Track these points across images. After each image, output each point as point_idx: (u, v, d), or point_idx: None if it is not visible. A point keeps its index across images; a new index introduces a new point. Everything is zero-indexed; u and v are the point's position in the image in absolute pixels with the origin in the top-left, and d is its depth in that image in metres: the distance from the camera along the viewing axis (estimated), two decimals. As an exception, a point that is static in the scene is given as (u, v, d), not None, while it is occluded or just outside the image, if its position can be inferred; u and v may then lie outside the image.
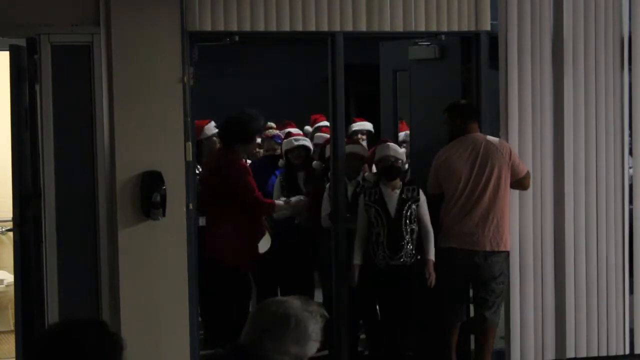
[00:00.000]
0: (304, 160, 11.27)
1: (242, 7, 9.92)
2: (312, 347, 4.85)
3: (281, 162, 11.54)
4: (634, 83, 10.88)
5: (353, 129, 12.90)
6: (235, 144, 10.73)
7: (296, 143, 11.23)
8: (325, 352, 10.29)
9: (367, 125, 12.91)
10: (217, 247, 10.48)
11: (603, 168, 10.77)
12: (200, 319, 10.65)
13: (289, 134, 11.98)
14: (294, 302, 4.85)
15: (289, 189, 11.16)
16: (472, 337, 10.28)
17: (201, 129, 11.56)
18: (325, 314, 5.02)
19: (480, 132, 10.24)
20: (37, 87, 9.62)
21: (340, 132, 10.53)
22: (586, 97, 10.73)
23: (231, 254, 10.44)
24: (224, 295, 10.59)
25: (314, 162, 10.76)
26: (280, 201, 10.97)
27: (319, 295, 11.78)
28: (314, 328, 4.81)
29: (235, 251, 10.46)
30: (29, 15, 9.49)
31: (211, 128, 11.84)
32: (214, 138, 11.74)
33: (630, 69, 10.87)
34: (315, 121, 13.32)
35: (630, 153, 10.93)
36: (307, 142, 11.46)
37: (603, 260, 10.73)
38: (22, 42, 9.84)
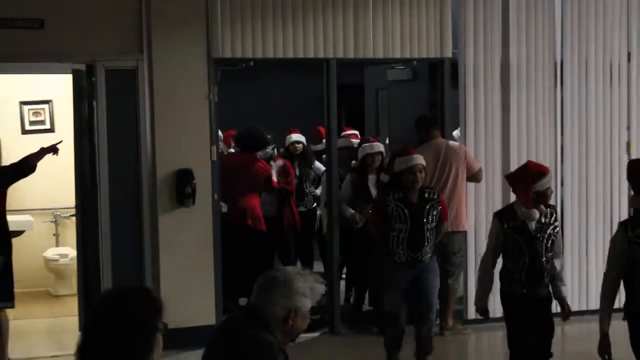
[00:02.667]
0: (379, 164, 10.21)
1: (256, 38, 9.93)
2: (303, 301, 4.68)
3: (354, 163, 10.65)
4: (564, 99, 10.93)
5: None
6: (255, 150, 11.00)
7: (376, 149, 10.29)
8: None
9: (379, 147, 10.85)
10: (248, 215, 10.78)
11: (538, 156, 10.58)
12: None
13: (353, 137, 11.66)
14: (288, 269, 4.84)
15: (359, 189, 10.29)
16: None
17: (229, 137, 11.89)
18: (321, 279, 4.93)
19: (443, 137, 10.27)
20: (94, 103, 9.64)
21: (334, 137, 10.56)
22: (527, 110, 10.80)
23: (258, 220, 10.85)
24: (252, 246, 10.81)
25: (381, 175, 9.29)
26: (351, 210, 10.30)
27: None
28: (302, 285, 4.69)
29: (259, 218, 10.87)
30: (88, 46, 9.47)
31: None
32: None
33: (562, 88, 10.90)
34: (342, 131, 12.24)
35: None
36: (382, 148, 10.49)
37: None
38: (82, 67, 9.85)
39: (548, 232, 7.33)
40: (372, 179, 10.19)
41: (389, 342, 8.60)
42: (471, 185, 10.31)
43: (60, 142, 9.13)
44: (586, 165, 10.93)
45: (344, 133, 11.84)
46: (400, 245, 8.26)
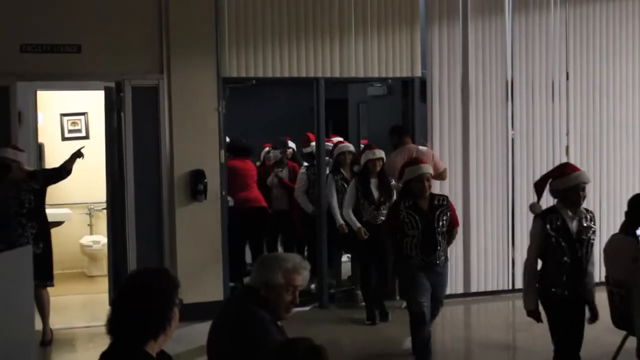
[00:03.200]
0: (381, 168, 9.53)
1: (257, 60, 9.93)
2: (275, 277, 4.54)
3: (357, 167, 9.95)
4: (514, 111, 10.91)
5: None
6: (247, 156, 11.35)
7: (377, 155, 9.48)
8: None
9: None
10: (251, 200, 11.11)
11: (494, 167, 10.85)
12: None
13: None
14: (279, 252, 4.78)
15: (363, 192, 9.50)
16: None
17: None
18: (304, 263, 4.73)
19: (413, 143, 10.23)
20: (122, 114, 9.63)
21: (323, 142, 10.55)
22: (483, 121, 10.79)
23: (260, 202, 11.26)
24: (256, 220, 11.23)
25: (393, 184, 9.23)
26: (358, 224, 9.54)
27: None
28: (280, 264, 4.57)
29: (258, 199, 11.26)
30: (117, 67, 9.48)
31: None
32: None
33: (512, 102, 10.90)
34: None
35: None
36: (383, 154, 9.59)
37: (494, 224, 10.82)
38: (112, 85, 9.84)
39: (588, 235, 6.45)
40: (374, 182, 9.59)
41: (421, 347, 7.76)
42: (437, 182, 10.12)
43: (83, 147, 9.16)
44: (532, 167, 10.90)
45: (337, 140, 11.81)
46: (414, 249, 7.59)
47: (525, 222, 10.79)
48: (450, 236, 7.97)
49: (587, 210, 6.63)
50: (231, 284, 10.13)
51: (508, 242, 10.86)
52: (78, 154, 9.02)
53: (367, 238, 9.50)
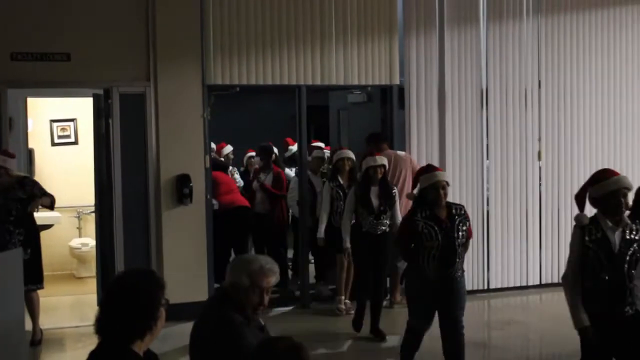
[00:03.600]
0: (382, 176, 8.85)
1: (241, 68, 9.91)
2: (242, 278, 4.52)
3: (358, 175, 9.27)
4: (489, 118, 10.93)
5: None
6: (224, 171, 11.41)
7: (379, 162, 8.78)
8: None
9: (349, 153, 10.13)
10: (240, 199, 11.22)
11: (470, 170, 10.86)
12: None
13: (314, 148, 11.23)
14: (250, 254, 4.73)
15: (363, 200, 8.79)
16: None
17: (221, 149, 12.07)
18: (270, 263, 4.65)
19: (392, 149, 10.25)
20: (110, 121, 9.61)
21: (304, 147, 10.55)
22: (459, 127, 10.81)
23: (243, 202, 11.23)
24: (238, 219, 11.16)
25: (407, 193, 8.10)
26: (347, 244, 9.01)
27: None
28: (247, 266, 4.53)
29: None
30: (105, 75, 9.46)
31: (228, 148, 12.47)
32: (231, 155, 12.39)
33: (486, 109, 10.92)
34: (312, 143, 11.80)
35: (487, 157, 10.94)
36: (385, 161, 8.93)
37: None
38: (100, 92, 9.80)
39: (632, 248, 5.63)
40: (374, 190, 8.85)
41: (406, 346, 7.25)
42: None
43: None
44: (506, 170, 10.91)
45: (336, 148, 11.78)
46: (432, 262, 6.78)
47: (499, 223, 10.91)
48: (464, 248, 7.10)
49: (633, 221, 5.78)
50: (216, 285, 10.07)
51: (483, 244, 10.85)
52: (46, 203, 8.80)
53: (368, 250, 8.84)
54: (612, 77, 11.64)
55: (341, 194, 9.63)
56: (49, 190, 8.85)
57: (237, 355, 4.34)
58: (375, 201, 8.86)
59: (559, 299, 6.20)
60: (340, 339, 9.01)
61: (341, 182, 9.75)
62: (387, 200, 8.90)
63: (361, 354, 8.62)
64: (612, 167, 11.28)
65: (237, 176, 12.09)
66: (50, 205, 8.76)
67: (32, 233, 8.61)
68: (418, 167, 9.92)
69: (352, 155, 9.87)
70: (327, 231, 9.70)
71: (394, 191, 9.01)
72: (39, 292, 8.75)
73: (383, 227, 8.87)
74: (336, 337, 9.08)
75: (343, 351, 8.67)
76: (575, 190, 11.02)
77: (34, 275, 8.44)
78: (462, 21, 10.81)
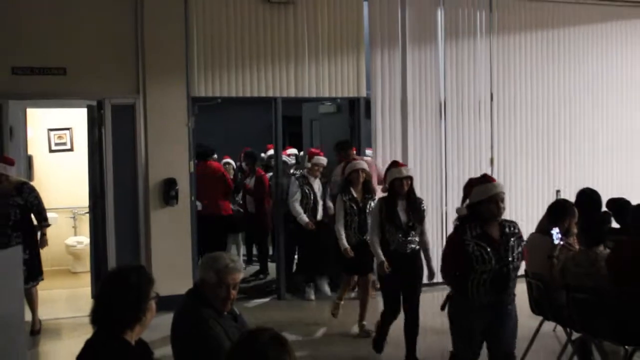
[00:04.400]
0: (409, 188, 7.34)
1: (222, 81, 9.89)
2: (207, 274, 4.53)
3: (384, 187, 7.72)
4: (447, 127, 10.95)
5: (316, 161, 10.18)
6: (209, 158, 11.27)
7: (405, 174, 7.31)
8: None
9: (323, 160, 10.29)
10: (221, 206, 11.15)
11: (430, 174, 10.89)
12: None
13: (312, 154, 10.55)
14: (220, 252, 4.72)
15: (388, 214, 7.26)
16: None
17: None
18: (234, 259, 4.64)
19: (359, 155, 10.24)
20: (103, 129, 9.57)
21: (280, 153, 10.52)
22: (420, 136, 10.82)
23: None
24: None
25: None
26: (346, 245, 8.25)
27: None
28: (213, 263, 4.54)
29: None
30: (98, 88, 9.43)
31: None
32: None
33: (445, 119, 10.94)
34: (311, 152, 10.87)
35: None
36: (411, 172, 7.53)
37: (429, 223, 10.74)
38: (94, 103, 9.78)
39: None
40: (401, 204, 7.31)
41: None
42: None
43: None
44: (462, 174, 10.84)
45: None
46: (482, 287, 5.51)
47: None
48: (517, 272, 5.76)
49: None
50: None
51: (441, 239, 10.76)
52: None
53: (395, 271, 7.29)
54: (557, 90, 11.73)
55: (355, 207, 8.33)
56: (46, 192, 8.83)
57: (205, 344, 4.35)
58: (403, 216, 7.31)
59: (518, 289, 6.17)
60: (313, 327, 8.99)
61: (354, 195, 8.40)
62: (416, 215, 7.37)
63: (335, 340, 8.54)
64: (555, 171, 11.53)
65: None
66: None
67: (30, 234, 8.55)
68: (382, 172, 10.01)
69: (366, 166, 8.68)
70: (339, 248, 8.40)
71: (422, 205, 7.50)
72: (40, 285, 8.73)
73: (412, 245, 7.35)
74: (310, 325, 9.05)
75: (317, 337, 8.63)
76: (523, 191, 11.43)
77: (33, 273, 8.42)
78: (422, 40, 10.83)
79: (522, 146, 11.50)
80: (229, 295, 4.56)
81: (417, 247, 7.41)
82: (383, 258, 7.27)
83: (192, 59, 9.77)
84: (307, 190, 10.08)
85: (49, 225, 8.66)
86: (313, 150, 10.59)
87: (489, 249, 5.52)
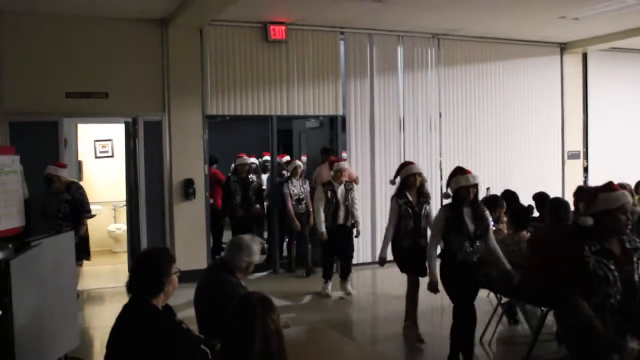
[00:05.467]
0: (474, 196, 5.74)
1: (230, 102, 9.85)
2: (256, 257, 4.65)
3: (448, 192, 5.76)
4: (405, 140, 10.93)
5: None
6: (213, 165, 10.84)
7: (472, 181, 5.68)
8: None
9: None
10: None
11: (390, 175, 10.79)
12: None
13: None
14: (246, 236, 4.78)
15: (454, 222, 5.65)
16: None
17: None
18: (262, 241, 4.89)
19: (336, 158, 10.12)
20: (137, 140, 9.55)
21: (275, 159, 10.43)
22: (385, 146, 10.79)
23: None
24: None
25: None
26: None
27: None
28: (256, 247, 4.65)
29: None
30: (133, 108, 9.43)
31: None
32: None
33: (404, 133, 10.91)
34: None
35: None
36: (478, 180, 5.80)
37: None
38: (130, 120, 9.71)
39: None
40: (467, 212, 5.70)
41: None
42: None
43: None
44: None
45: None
46: (608, 315, 3.91)
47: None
48: None
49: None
50: (217, 257, 10.03)
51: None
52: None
53: (465, 281, 5.65)
54: (489, 110, 11.78)
55: (410, 211, 6.86)
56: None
57: (231, 301, 4.38)
58: (470, 225, 5.67)
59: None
60: (302, 295, 8.98)
61: (410, 198, 6.91)
62: (482, 223, 5.74)
63: (319, 305, 8.50)
64: (487, 172, 11.60)
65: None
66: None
67: (77, 224, 8.44)
68: (354, 173, 9.99)
69: (421, 170, 7.14)
70: (397, 251, 7.00)
71: (487, 212, 5.85)
72: (88, 262, 8.67)
73: (478, 254, 5.70)
74: (300, 295, 9.05)
75: (304, 303, 8.62)
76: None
77: (79, 255, 8.36)
78: (386, 70, 10.83)
79: (463, 153, 11.52)
80: (248, 272, 4.73)
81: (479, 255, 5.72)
82: (437, 278, 5.68)
83: (206, 84, 9.74)
84: (330, 196, 8.63)
85: (89, 216, 8.56)
86: (333, 158, 9.65)
87: (612, 267, 4.01)
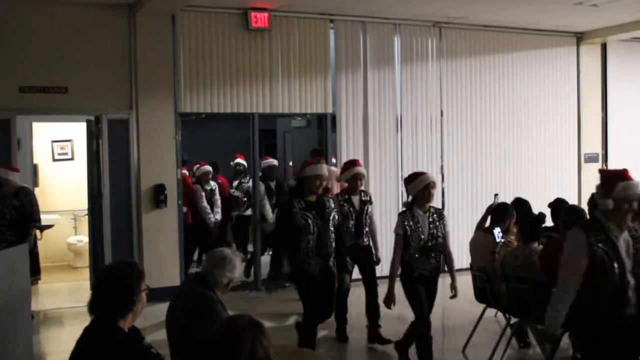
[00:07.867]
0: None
1: (206, 99, 9.85)
2: (238, 273, 4.67)
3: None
4: (403, 139, 10.96)
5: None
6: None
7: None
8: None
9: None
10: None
11: (387, 180, 10.88)
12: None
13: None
14: (226, 250, 4.79)
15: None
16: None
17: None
18: (243, 256, 4.97)
19: (326, 163, 10.23)
20: (100, 141, 9.52)
21: (257, 162, 10.44)
22: (379, 147, 10.82)
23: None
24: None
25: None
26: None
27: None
28: (237, 262, 4.68)
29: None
30: (96, 104, 9.41)
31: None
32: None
33: (401, 133, 10.96)
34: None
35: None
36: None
37: (387, 217, 10.78)
38: (92, 118, 9.70)
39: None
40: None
41: None
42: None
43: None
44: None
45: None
46: (633, 292, 4.23)
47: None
48: None
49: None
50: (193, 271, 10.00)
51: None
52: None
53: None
54: (497, 107, 11.83)
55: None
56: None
57: (210, 320, 4.36)
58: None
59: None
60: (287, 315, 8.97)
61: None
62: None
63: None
64: (494, 176, 11.64)
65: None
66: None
67: (25, 235, 8.33)
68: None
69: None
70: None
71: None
72: (45, 278, 8.66)
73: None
74: (282, 314, 9.04)
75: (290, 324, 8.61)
76: (468, 194, 11.50)
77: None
78: (381, 63, 10.86)
79: (468, 156, 11.57)
80: (228, 288, 4.73)
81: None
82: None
83: (179, 79, 9.74)
84: (347, 209, 7.63)
85: (37, 227, 8.51)
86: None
87: (614, 257, 4.37)
